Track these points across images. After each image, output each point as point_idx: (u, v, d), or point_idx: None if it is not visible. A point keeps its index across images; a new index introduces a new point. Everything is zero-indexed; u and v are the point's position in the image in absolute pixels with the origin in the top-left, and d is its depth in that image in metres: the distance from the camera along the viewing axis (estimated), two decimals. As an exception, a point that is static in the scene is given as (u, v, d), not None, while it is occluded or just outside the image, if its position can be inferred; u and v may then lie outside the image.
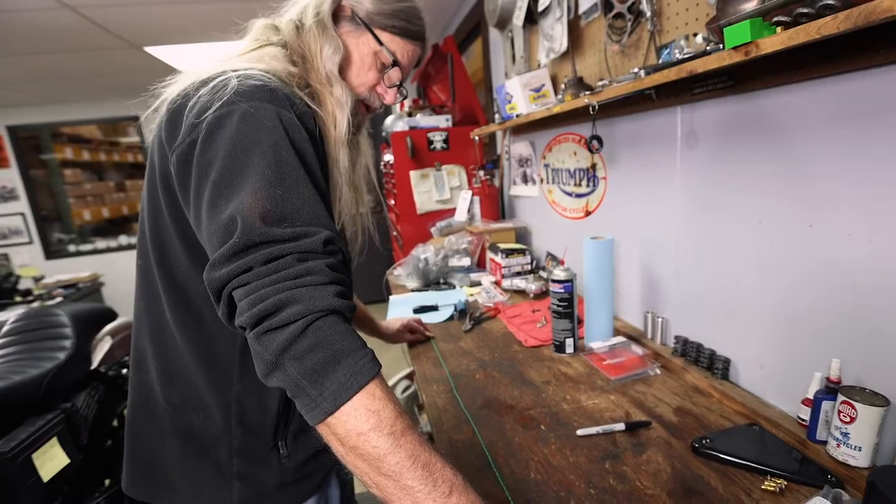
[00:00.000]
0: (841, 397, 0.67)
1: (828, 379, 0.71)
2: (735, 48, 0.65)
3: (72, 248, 4.42)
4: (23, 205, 4.23)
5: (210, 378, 0.63)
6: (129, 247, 4.46)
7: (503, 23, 1.79)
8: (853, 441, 0.66)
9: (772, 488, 0.66)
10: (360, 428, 0.43)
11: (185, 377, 0.64)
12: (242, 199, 0.47)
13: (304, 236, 0.48)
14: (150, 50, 2.85)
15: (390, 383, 2.27)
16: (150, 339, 0.66)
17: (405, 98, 0.80)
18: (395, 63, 0.71)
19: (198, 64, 0.61)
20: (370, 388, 0.45)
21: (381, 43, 0.69)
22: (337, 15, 0.68)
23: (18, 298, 3.25)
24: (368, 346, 0.48)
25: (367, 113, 0.77)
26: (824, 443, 0.72)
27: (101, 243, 4.47)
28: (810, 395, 0.74)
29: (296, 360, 0.44)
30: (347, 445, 0.44)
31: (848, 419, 0.66)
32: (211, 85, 0.54)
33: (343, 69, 0.68)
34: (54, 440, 1.27)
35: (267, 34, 0.66)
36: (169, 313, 0.63)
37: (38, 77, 3.21)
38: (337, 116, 0.64)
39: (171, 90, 0.59)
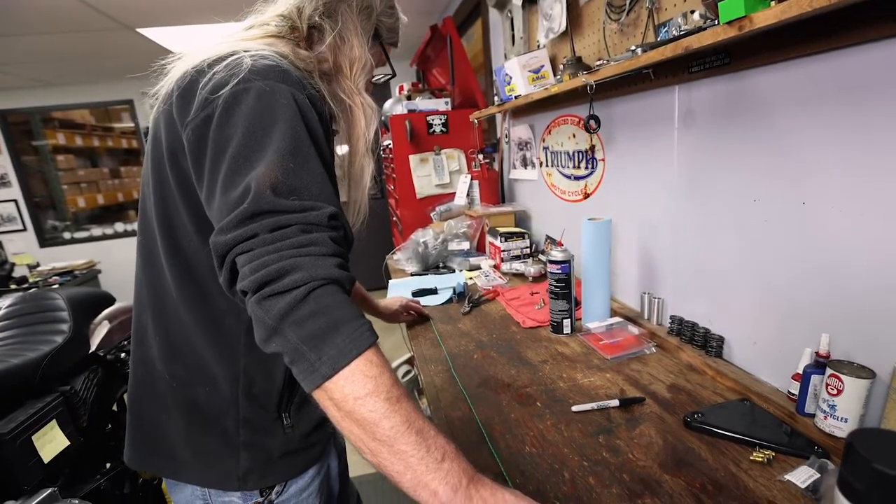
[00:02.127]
0: (829, 371, 0.68)
1: (817, 353, 0.72)
2: (729, 23, 0.65)
3: (66, 235, 4.39)
4: (15, 191, 4.19)
5: (217, 351, 0.63)
6: (126, 234, 4.43)
7: (503, 3, 1.77)
8: (840, 413, 0.68)
9: (760, 459, 0.68)
10: (357, 392, 0.44)
11: (190, 350, 0.64)
12: (257, 170, 0.49)
13: (311, 209, 0.49)
14: (142, 31, 2.80)
15: (393, 366, 2.29)
16: (153, 314, 0.66)
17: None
18: (390, 66, 0.79)
19: (206, 42, 0.62)
20: (368, 354, 0.46)
21: (387, 57, 0.76)
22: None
23: (13, 286, 3.24)
24: None
25: None
26: (812, 416, 0.74)
27: (96, 230, 4.44)
28: (800, 370, 0.76)
29: (296, 326, 0.45)
30: (344, 410, 0.45)
31: (835, 392, 0.68)
32: (225, 63, 0.55)
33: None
34: (53, 422, 1.28)
35: (282, 23, 0.67)
36: (174, 288, 0.63)
37: (28, 59, 3.14)
38: (369, 120, 0.70)
39: (179, 66, 0.60)
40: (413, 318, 1.33)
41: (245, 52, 0.56)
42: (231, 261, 0.48)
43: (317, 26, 0.67)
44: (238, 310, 0.62)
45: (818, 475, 0.63)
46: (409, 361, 2.34)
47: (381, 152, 2.66)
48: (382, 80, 0.81)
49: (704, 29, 0.73)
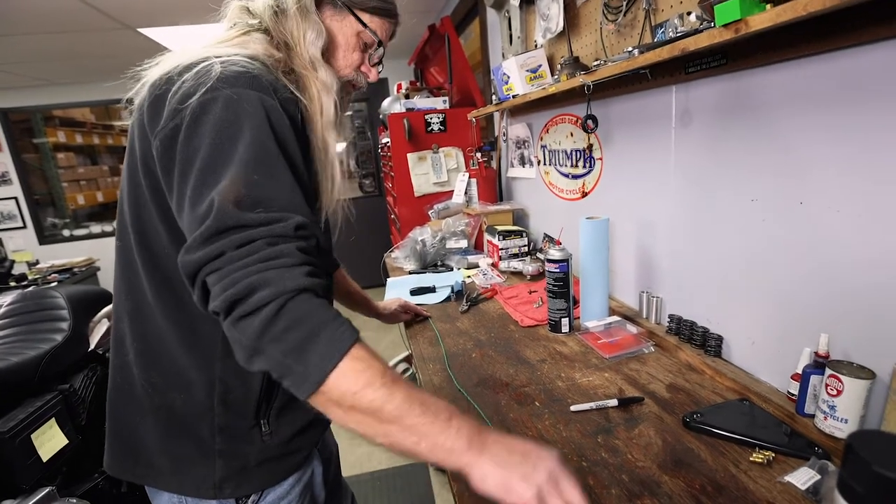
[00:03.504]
0: (828, 371, 0.68)
1: (816, 354, 0.72)
2: (725, 26, 0.65)
3: (66, 232, 4.39)
4: (15, 189, 4.18)
5: (193, 357, 0.62)
6: (125, 232, 4.44)
7: (500, 3, 1.76)
8: (840, 413, 0.67)
9: (760, 460, 0.68)
10: (352, 388, 0.45)
11: (167, 357, 0.63)
12: (221, 184, 0.49)
13: (277, 221, 0.49)
14: (143, 31, 2.79)
15: (390, 365, 2.30)
16: (130, 320, 0.65)
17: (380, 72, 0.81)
18: (379, 42, 0.72)
19: (181, 47, 0.61)
20: (353, 352, 0.47)
21: (364, 24, 0.70)
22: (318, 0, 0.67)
23: (13, 283, 3.23)
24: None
25: (353, 90, 0.78)
26: (812, 416, 0.73)
27: (95, 228, 4.44)
28: (799, 371, 0.75)
29: (275, 342, 0.45)
30: (345, 406, 0.46)
31: (835, 392, 0.67)
32: (194, 70, 0.54)
33: (329, 53, 0.69)
34: (52, 421, 1.28)
35: (244, 18, 0.65)
36: (150, 294, 0.62)
37: (29, 58, 3.14)
38: (324, 101, 0.64)
39: (153, 73, 0.59)
40: (411, 317, 1.33)
41: (216, 58, 0.55)
42: (202, 280, 0.48)
43: (265, 10, 0.64)
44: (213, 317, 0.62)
45: (819, 477, 0.63)
46: (407, 359, 2.34)
47: (380, 150, 2.65)
48: (377, 58, 0.75)
49: (701, 31, 0.73)
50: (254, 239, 0.47)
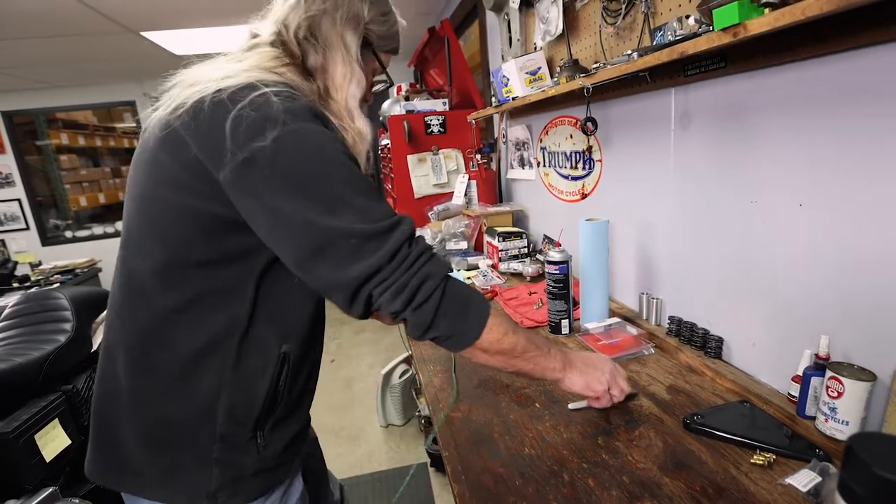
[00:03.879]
0: (829, 373, 0.68)
1: (816, 356, 0.72)
2: (724, 29, 0.65)
3: (68, 234, 4.41)
4: (19, 191, 4.20)
5: (202, 367, 0.62)
6: (127, 234, 4.46)
7: (499, 6, 1.76)
8: (841, 415, 0.67)
9: (760, 462, 0.68)
10: (497, 337, 0.64)
11: (169, 366, 0.63)
12: (343, 214, 0.56)
13: (397, 225, 0.59)
14: (146, 34, 2.81)
15: (389, 367, 2.30)
16: (125, 331, 0.64)
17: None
18: (386, 75, 0.78)
19: (216, 68, 0.63)
20: (493, 312, 0.65)
21: (383, 67, 0.76)
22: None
23: (16, 284, 3.25)
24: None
25: None
26: (813, 418, 0.73)
27: (97, 229, 4.46)
28: (800, 372, 0.75)
29: (445, 316, 0.60)
30: (491, 351, 0.65)
31: (836, 394, 0.67)
32: (250, 99, 0.55)
33: None
34: (56, 421, 1.29)
35: (285, 49, 0.67)
36: (162, 307, 0.62)
37: (34, 62, 3.16)
38: (359, 149, 0.68)
39: (185, 93, 0.59)
40: None
41: (265, 86, 0.57)
42: (367, 294, 0.58)
43: (302, 45, 0.67)
44: (240, 329, 0.62)
45: (820, 479, 0.63)
46: (407, 360, 2.34)
47: (380, 152, 2.66)
48: (381, 88, 0.81)
49: (700, 35, 0.74)
50: (399, 247, 0.58)
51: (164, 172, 0.59)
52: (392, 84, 0.82)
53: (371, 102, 0.80)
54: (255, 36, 0.69)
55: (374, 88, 0.79)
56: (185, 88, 0.60)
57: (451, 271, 0.64)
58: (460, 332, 0.62)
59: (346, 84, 0.68)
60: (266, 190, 0.55)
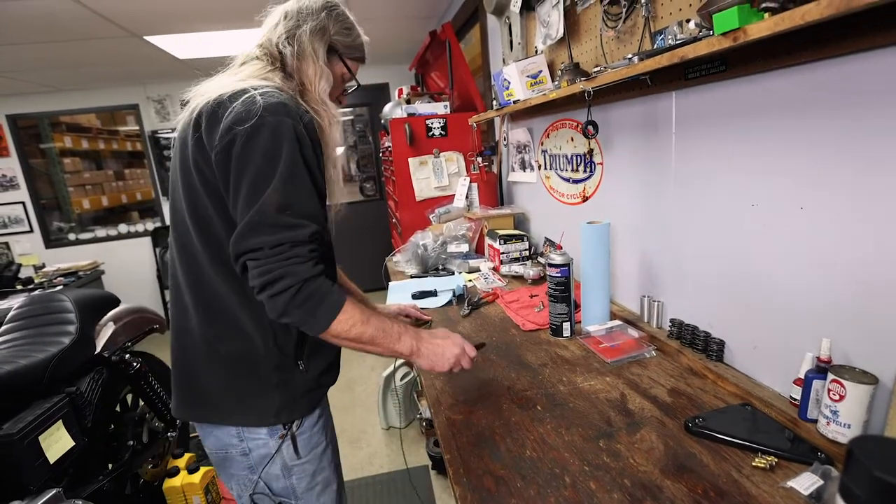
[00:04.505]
0: (831, 376, 0.68)
1: (818, 359, 0.72)
2: (724, 34, 0.66)
3: (71, 236, 4.42)
4: (23, 193, 4.22)
5: (249, 312, 0.81)
6: (129, 235, 4.46)
7: (500, 9, 1.77)
8: (843, 419, 0.67)
9: (762, 465, 0.68)
10: (344, 329, 0.76)
11: (228, 315, 0.81)
12: (267, 192, 0.71)
13: (299, 227, 0.72)
14: (149, 39, 2.83)
15: (390, 370, 2.30)
16: (192, 292, 0.82)
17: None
18: (355, 80, 0.96)
19: (219, 81, 0.81)
20: (344, 308, 0.76)
21: (350, 71, 0.92)
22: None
23: (19, 287, 3.26)
24: None
25: None
26: (815, 421, 0.73)
27: (100, 231, 4.47)
28: (802, 375, 0.75)
29: (297, 308, 0.72)
30: (340, 339, 0.77)
31: (837, 397, 0.67)
32: (241, 99, 0.73)
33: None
34: (59, 423, 1.29)
35: (266, 58, 0.84)
36: (209, 268, 0.80)
37: (38, 66, 3.17)
38: (333, 130, 0.85)
39: (201, 100, 0.76)
40: (410, 322, 1.33)
41: (255, 89, 0.74)
42: (243, 262, 0.72)
43: (282, 51, 0.84)
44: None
45: (822, 482, 0.63)
46: (408, 363, 2.35)
47: (381, 154, 2.67)
48: (350, 91, 0.98)
49: (700, 39, 0.74)
50: (282, 242, 0.71)
51: (185, 164, 0.77)
52: (359, 87, 0.97)
53: (344, 104, 0.96)
54: (246, 56, 0.87)
55: (347, 91, 0.97)
56: (199, 97, 0.78)
57: (321, 275, 0.75)
58: (309, 324, 0.74)
59: (316, 80, 0.85)
60: (236, 163, 0.71)
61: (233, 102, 0.73)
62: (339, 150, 0.89)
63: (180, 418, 0.90)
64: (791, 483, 0.64)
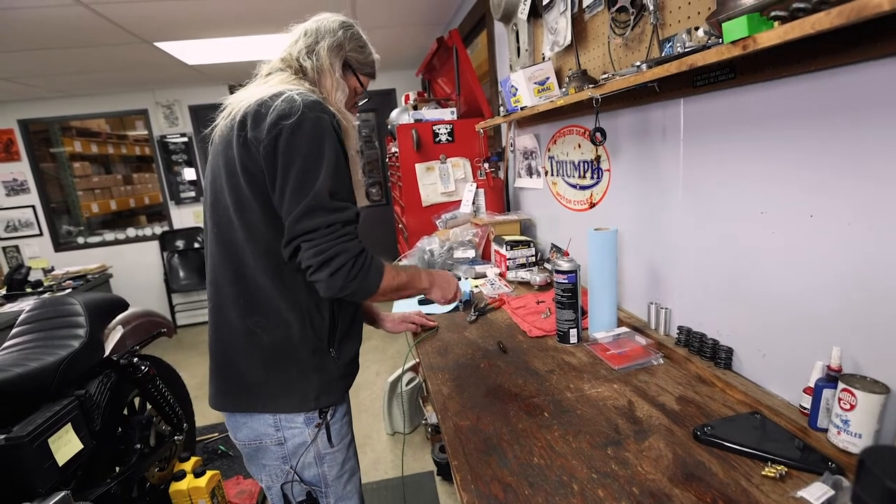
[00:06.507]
0: (841, 385, 0.68)
1: (828, 367, 0.72)
2: (733, 42, 0.66)
3: (80, 239, 4.47)
4: (33, 197, 4.27)
5: (287, 302, 0.87)
6: (137, 239, 4.50)
7: (508, 16, 1.79)
8: (853, 428, 0.67)
9: (772, 474, 0.67)
10: (388, 286, 0.90)
11: (269, 305, 0.87)
12: (319, 181, 0.80)
13: (346, 209, 0.83)
14: (160, 45, 2.87)
15: (396, 374, 2.30)
16: (234, 285, 0.88)
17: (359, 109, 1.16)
18: (365, 93, 1.06)
19: (253, 89, 0.89)
20: (385, 272, 0.89)
21: (362, 85, 1.03)
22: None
23: (29, 290, 3.30)
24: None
25: None
26: (825, 430, 0.73)
27: (108, 235, 4.52)
28: (811, 384, 0.75)
29: (353, 280, 0.82)
30: (386, 293, 0.91)
31: (848, 407, 0.67)
32: (282, 98, 0.81)
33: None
34: (69, 426, 1.30)
35: (290, 68, 0.94)
36: (254, 263, 0.86)
37: (50, 71, 3.23)
38: (351, 133, 0.94)
39: (239, 106, 0.84)
40: (415, 329, 1.33)
41: (290, 90, 0.83)
42: (297, 244, 0.81)
43: (303, 64, 0.93)
44: (302, 270, 0.84)
45: (833, 492, 0.62)
46: (414, 368, 2.34)
47: (388, 160, 2.69)
48: (362, 103, 1.08)
49: (709, 47, 0.74)
50: (335, 223, 0.80)
51: (230, 162, 0.84)
52: (369, 99, 1.09)
53: (355, 116, 1.05)
54: (270, 68, 0.96)
55: (359, 103, 1.07)
56: (236, 104, 0.86)
57: (365, 249, 0.85)
58: (364, 290, 0.85)
59: (333, 91, 0.95)
60: (283, 156, 0.79)
61: (274, 101, 0.81)
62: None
63: (219, 409, 0.94)
64: (802, 493, 0.63)
